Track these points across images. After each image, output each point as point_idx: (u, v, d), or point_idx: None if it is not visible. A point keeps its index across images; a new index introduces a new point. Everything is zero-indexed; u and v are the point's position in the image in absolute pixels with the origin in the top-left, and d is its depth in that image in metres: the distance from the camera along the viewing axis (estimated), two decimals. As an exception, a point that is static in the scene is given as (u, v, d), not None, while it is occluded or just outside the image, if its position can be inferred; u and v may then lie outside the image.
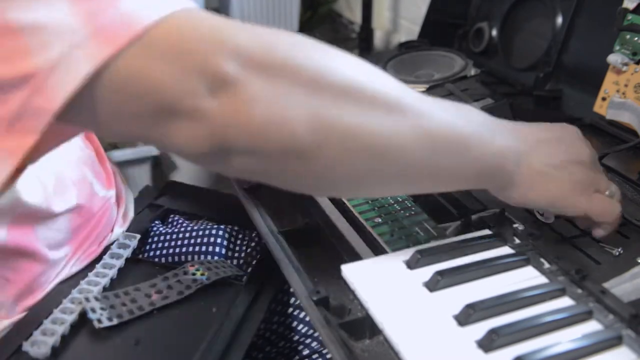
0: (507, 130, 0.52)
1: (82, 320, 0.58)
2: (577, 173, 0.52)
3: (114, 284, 0.64)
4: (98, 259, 0.67)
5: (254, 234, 0.77)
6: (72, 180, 0.64)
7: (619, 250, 0.55)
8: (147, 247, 0.73)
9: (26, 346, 0.54)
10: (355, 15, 1.63)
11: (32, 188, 0.59)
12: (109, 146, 1.35)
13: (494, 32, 0.95)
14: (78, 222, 0.66)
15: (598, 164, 0.56)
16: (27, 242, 0.59)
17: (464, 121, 0.48)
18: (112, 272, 0.64)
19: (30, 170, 0.55)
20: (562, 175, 0.52)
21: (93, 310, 0.58)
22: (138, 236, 0.70)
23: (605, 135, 0.76)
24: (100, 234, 0.69)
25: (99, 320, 0.57)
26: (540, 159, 0.51)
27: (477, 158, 0.48)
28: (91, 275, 0.63)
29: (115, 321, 0.57)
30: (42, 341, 0.55)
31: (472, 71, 0.85)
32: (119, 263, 0.66)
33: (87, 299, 0.59)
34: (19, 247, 0.59)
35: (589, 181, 0.53)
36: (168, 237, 0.74)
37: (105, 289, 0.62)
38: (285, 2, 1.44)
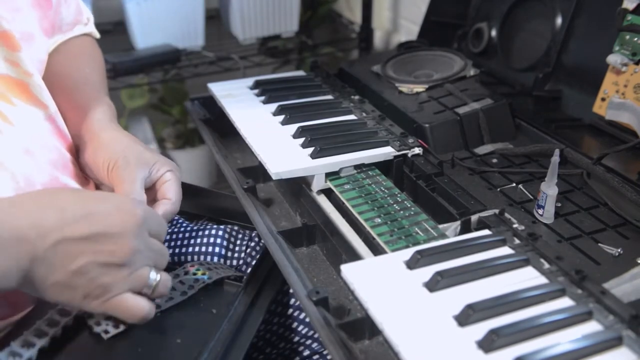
0: (17, 239, 0.47)
1: (77, 324, 0.58)
2: (102, 276, 0.50)
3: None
4: None
5: (253, 234, 0.77)
6: (41, 184, 0.62)
7: (619, 250, 0.55)
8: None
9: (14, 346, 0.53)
10: (355, 15, 1.63)
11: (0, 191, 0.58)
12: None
13: (494, 33, 0.95)
14: None
15: (140, 254, 0.52)
16: None
17: None
18: None
19: (1, 174, 0.55)
20: (81, 283, 0.49)
21: (98, 324, 0.57)
22: None
23: (604, 135, 0.76)
24: None
25: (106, 331, 0.57)
26: (55, 267, 0.48)
27: None
28: None
29: (122, 327, 0.57)
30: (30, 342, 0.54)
31: (472, 71, 0.85)
32: None
33: (89, 316, 0.58)
34: None
35: (116, 284, 0.51)
36: (167, 237, 0.74)
37: None
38: (285, 2, 1.44)
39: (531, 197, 0.64)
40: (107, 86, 0.79)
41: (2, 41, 0.60)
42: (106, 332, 0.56)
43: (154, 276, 0.53)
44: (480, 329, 0.44)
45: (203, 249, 0.73)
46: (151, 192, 0.66)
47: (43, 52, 0.68)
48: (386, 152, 0.70)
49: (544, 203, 0.59)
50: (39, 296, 0.50)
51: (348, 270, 0.50)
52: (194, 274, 0.65)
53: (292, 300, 0.72)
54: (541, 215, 0.59)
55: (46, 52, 0.69)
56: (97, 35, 0.84)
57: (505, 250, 0.54)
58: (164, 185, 0.66)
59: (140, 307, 0.53)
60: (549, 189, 0.58)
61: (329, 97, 0.86)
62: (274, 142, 0.72)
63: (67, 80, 0.74)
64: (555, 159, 0.58)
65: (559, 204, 0.62)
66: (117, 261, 0.50)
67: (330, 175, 0.67)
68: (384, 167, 0.69)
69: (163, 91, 1.66)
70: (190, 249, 0.73)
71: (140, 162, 0.64)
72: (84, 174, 0.70)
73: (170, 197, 0.65)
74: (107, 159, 0.65)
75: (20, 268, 0.47)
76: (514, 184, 0.66)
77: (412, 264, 0.51)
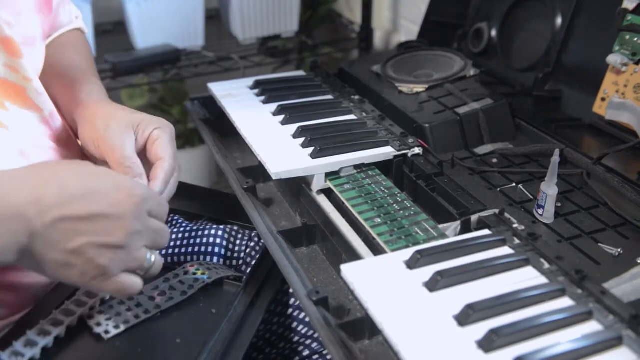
0: (17, 216, 0.47)
1: (78, 324, 0.58)
2: (99, 257, 0.49)
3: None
4: None
5: (253, 234, 0.77)
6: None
7: (619, 250, 0.55)
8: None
9: (17, 346, 0.54)
10: (355, 15, 1.63)
11: None
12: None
13: (494, 33, 0.95)
14: None
15: (138, 235, 0.51)
16: None
17: None
18: None
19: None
20: (78, 262, 0.49)
21: (98, 325, 0.57)
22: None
23: (604, 135, 0.76)
24: None
25: (106, 332, 0.57)
26: (52, 245, 0.48)
27: None
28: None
29: (122, 327, 0.57)
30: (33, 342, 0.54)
31: (472, 71, 0.85)
32: None
33: (90, 316, 0.58)
34: None
35: (113, 265, 0.50)
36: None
37: (102, 302, 0.61)
38: (285, 2, 1.44)
39: (531, 197, 0.64)
40: (96, 69, 0.79)
41: (2, 47, 0.60)
42: (107, 332, 0.57)
43: (149, 257, 0.53)
44: (480, 328, 0.44)
45: (203, 249, 0.73)
46: (143, 154, 0.64)
47: (42, 54, 0.68)
48: (386, 152, 0.70)
49: (544, 203, 0.59)
50: (38, 272, 0.50)
51: (348, 270, 0.50)
52: (194, 273, 0.65)
53: (292, 300, 0.72)
54: (541, 215, 0.59)
55: (43, 56, 0.69)
56: (86, 30, 0.84)
57: (505, 250, 0.54)
58: (154, 145, 0.63)
59: (135, 286, 0.52)
60: (549, 189, 0.58)
61: (329, 97, 0.86)
62: (273, 142, 0.71)
63: (56, 67, 0.74)
64: (555, 158, 0.58)
65: (559, 204, 0.62)
66: (114, 242, 0.49)
67: (330, 175, 0.67)
68: (384, 167, 0.69)
69: (163, 91, 1.66)
70: (190, 249, 0.73)
71: (124, 127, 0.63)
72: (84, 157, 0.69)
73: (162, 155, 0.63)
74: (92, 132, 0.64)
75: (18, 243, 0.47)
76: (514, 184, 0.66)
77: (412, 263, 0.51)
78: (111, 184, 0.51)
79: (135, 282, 0.52)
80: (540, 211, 0.59)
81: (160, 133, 0.64)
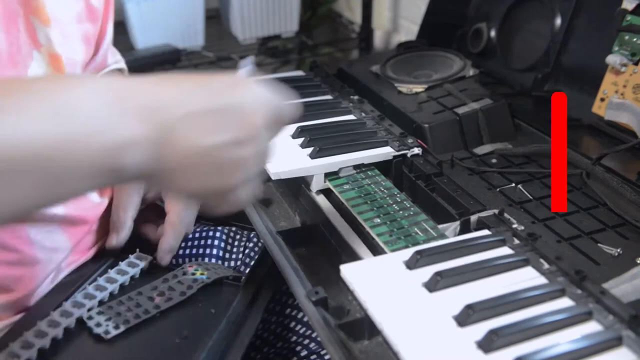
0: (140, 110, 0.40)
1: (79, 325, 0.58)
2: (242, 150, 0.43)
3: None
4: (92, 266, 0.67)
5: (251, 235, 0.77)
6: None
7: (619, 250, 0.55)
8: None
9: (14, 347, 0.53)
10: (355, 15, 1.63)
11: None
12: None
13: (493, 33, 0.95)
14: (70, 229, 0.65)
15: (265, 140, 0.45)
16: (18, 244, 0.59)
17: (57, 120, 0.37)
18: (113, 287, 0.62)
19: None
20: (214, 161, 0.42)
21: (98, 325, 0.57)
22: (149, 257, 0.67)
23: (603, 135, 0.76)
24: (95, 239, 0.69)
25: (106, 332, 0.57)
26: (186, 144, 0.41)
27: (82, 162, 0.38)
28: (90, 288, 0.61)
29: (122, 328, 0.57)
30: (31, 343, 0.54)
31: (471, 72, 0.85)
32: (123, 280, 0.63)
33: (89, 317, 0.58)
34: (6, 246, 0.58)
35: (254, 161, 0.44)
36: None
37: (101, 303, 0.60)
38: (285, 2, 1.44)
39: (530, 197, 0.64)
40: None
41: (50, 62, 0.61)
42: (107, 332, 0.56)
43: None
44: (480, 329, 0.44)
45: (201, 250, 0.73)
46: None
47: None
48: (385, 152, 0.69)
49: None
50: (168, 188, 0.46)
51: (347, 270, 0.50)
52: (193, 274, 0.65)
53: (291, 300, 0.72)
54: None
55: None
56: (126, 72, 0.85)
57: (504, 251, 0.54)
58: (166, 197, 0.67)
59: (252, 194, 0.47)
60: None
61: (328, 97, 0.85)
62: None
63: None
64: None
65: (559, 204, 0.62)
66: (248, 136, 0.43)
67: (330, 176, 0.67)
68: (383, 167, 0.69)
69: (163, 91, 1.66)
70: (188, 251, 0.73)
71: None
72: None
73: (169, 207, 0.66)
74: None
75: (149, 138, 0.40)
76: (514, 184, 0.66)
77: (411, 264, 0.51)
78: (234, 80, 0.45)
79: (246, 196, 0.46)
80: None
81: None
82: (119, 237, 0.68)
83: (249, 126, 0.43)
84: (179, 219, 0.66)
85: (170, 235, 0.67)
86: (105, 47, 0.74)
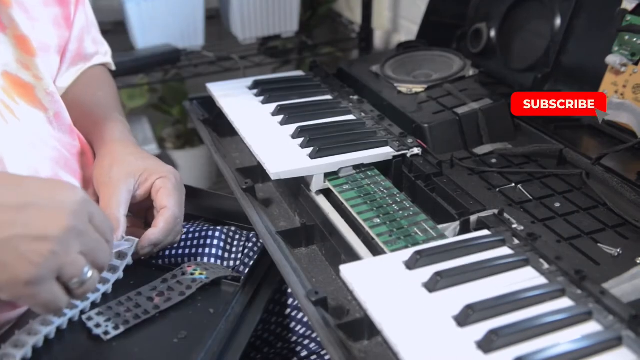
0: None
1: (78, 326, 0.58)
2: (33, 253, 0.44)
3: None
4: None
5: (251, 235, 0.77)
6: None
7: (618, 250, 0.55)
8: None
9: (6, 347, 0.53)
10: (355, 15, 1.62)
11: None
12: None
13: (493, 33, 0.95)
14: None
15: (76, 235, 0.47)
16: None
17: None
18: (106, 288, 0.62)
19: (8, 164, 0.54)
20: (8, 259, 0.44)
21: (97, 326, 0.57)
22: (135, 240, 0.63)
23: (603, 136, 0.76)
24: None
25: (106, 332, 0.57)
26: None
27: None
28: None
29: (122, 328, 0.57)
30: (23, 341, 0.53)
31: (471, 72, 0.85)
32: (115, 277, 0.63)
33: (89, 318, 0.58)
34: None
35: (47, 265, 0.45)
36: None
37: (94, 304, 0.60)
38: (285, 2, 1.43)
39: (530, 197, 0.63)
40: (120, 104, 0.81)
41: (17, 43, 0.62)
42: (106, 333, 0.56)
43: (87, 271, 0.48)
44: (480, 329, 0.44)
45: (200, 250, 0.73)
46: (149, 202, 0.67)
47: (56, 64, 0.71)
48: (385, 152, 0.69)
49: None
50: None
51: (347, 270, 0.50)
52: (192, 274, 0.65)
53: (290, 300, 0.72)
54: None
55: (57, 66, 0.72)
56: (113, 67, 0.87)
57: (504, 251, 0.54)
58: (158, 194, 0.66)
59: (62, 301, 0.48)
60: None
61: (328, 97, 0.85)
62: (272, 142, 0.71)
63: (82, 106, 0.76)
64: None
65: (559, 204, 0.62)
66: (49, 234, 0.44)
67: (329, 176, 0.67)
68: (383, 167, 0.69)
69: (163, 91, 1.66)
70: (187, 251, 0.73)
71: (124, 175, 0.65)
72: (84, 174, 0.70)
73: (165, 204, 0.65)
74: (97, 171, 0.66)
75: None
76: (513, 184, 0.66)
77: (411, 264, 0.51)
78: (49, 181, 0.49)
79: (63, 297, 0.47)
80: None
81: (163, 182, 0.66)
82: (116, 236, 0.66)
83: (54, 224, 0.45)
84: (173, 217, 0.65)
85: (163, 229, 0.64)
86: (78, 34, 0.74)
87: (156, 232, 0.64)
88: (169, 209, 0.64)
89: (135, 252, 0.64)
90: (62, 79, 0.77)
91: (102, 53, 0.84)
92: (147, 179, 0.66)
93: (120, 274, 0.63)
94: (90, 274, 0.48)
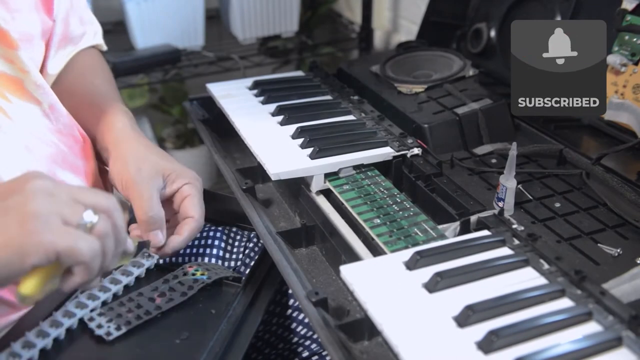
0: None
1: (81, 327, 0.58)
2: (27, 203, 0.45)
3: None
4: None
5: (251, 235, 0.77)
6: None
7: (618, 251, 0.55)
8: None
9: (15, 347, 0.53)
10: (355, 15, 1.62)
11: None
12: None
13: (493, 33, 0.95)
14: None
15: (63, 191, 0.47)
16: None
17: None
18: (117, 288, 0.62)
19: (2, 173, 0.54)
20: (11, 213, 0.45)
21: (100, 326, 0.57)
22: (155, 257, 0.65)
23: (603, 136, 0.76)
24: None
25: (108, 333, 0.57)
26: None
27: None
28: (93, 289, 0.60)
29: (124, 329, 0.57)
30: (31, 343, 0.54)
31: (471, 72, 0.85)
32: (127, 280, 0.63)
33: (90, 319, 0.58)
34: None
35: (47, 210, 0.45)
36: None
37: (104, 304, 0.60)
38: (285, 2, 1.44)
39: (530, 197, 0.64)
40: (117, 89, 0.79)
41: None
42: (108, 334, 0.57)
43: (90, 216, 0.47)
44: (480, 329, 0.44)
45: (201, 250, 0.73)
46: (169, 205, 0.66)
47: (41, 51, 0.68)
48: (385, 152, 0.70)
49: (504, 196, 0.59)
50: None
51: (347, 271, 0.50)
52: (193, 274, 0.65)
53: (291, 301, 0.72)
54: (501, 208, 0.60)
55: (42, 53, 0.70)
56: (104, 47, 0.84)
57: (504, 251, 0.54)
58: (185, 202, 0.65)
59: (92, 247, 0.47)
60: (508, 182, 0.59)
61: (328, 97, 0.86)
62: (272, 142, 0.71)
63: (82, 95, 0.74)
64: (513, 153, 0.58)
65: (559, 204, 0.62)
66: (30, 189, 0.46)
67: (330, 176, 0.67)
68: (383, 167, 0.69)
69: (163, 91, 1.66)
70: (188, 251, 0.73)
71: (154, 174, 0.64)
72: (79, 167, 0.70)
73: (192, 214, 0.65)
74: (122, 172, 0.65)
75: None
76: (514, 185, 0.66)
77: (411, 264, 0.51)
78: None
79: (83, 235, 0.46)
80: (500, 204, 0.60)
81: (190, 189, 0.65)
82: (162, 233, 0.65)
83: (18, 190, 0.46)
84: (198, 229, 0.65)
85: (186, 239, 0.64)
86: (63, 15, 0.72)
87: (180, 240, 0.64)
88: (195, 221, 0.64)
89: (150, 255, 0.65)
90: (51, 64, 0.74)
91: (91, 33, 0.80)
92: (175, 180, 0.65)
93: (132, 279, 0.63)
94: (95, 218, 0.48)
